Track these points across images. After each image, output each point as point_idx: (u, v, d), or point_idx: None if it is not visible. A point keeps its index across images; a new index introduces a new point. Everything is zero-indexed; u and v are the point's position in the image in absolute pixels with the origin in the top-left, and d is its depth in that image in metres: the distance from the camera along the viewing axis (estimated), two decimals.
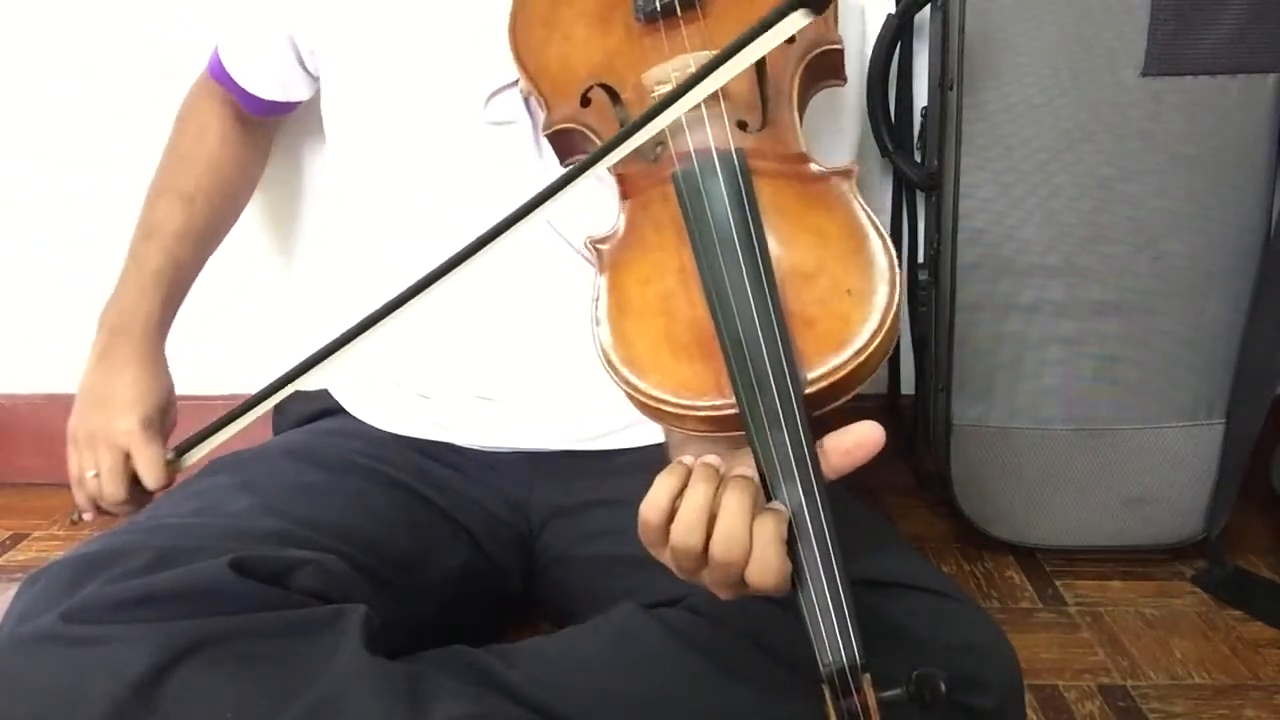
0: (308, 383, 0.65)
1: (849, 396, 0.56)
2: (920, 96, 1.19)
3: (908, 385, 1.29)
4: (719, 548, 0.52)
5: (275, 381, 0.65)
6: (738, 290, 0.56)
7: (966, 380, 1.14)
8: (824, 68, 0.67)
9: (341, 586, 0.68)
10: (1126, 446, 1.13)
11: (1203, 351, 1.10)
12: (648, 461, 0.73)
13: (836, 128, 0.78)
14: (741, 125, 0.63)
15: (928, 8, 1.13)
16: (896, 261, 0.57)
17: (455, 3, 0.77)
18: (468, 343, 0.84)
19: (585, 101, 0.67)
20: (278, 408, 0.97)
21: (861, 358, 0.54)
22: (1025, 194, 1.07)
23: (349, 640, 0.62)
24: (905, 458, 1.32)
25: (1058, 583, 1.14)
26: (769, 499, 0.54)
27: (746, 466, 0.54)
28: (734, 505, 0.52)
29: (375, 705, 0.59)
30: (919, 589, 0.70)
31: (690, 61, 0.64)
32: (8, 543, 1.26)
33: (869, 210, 0.59)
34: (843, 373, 0.54)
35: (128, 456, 0.84)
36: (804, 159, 0.62)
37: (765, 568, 0.51)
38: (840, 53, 0.66)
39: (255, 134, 1.05)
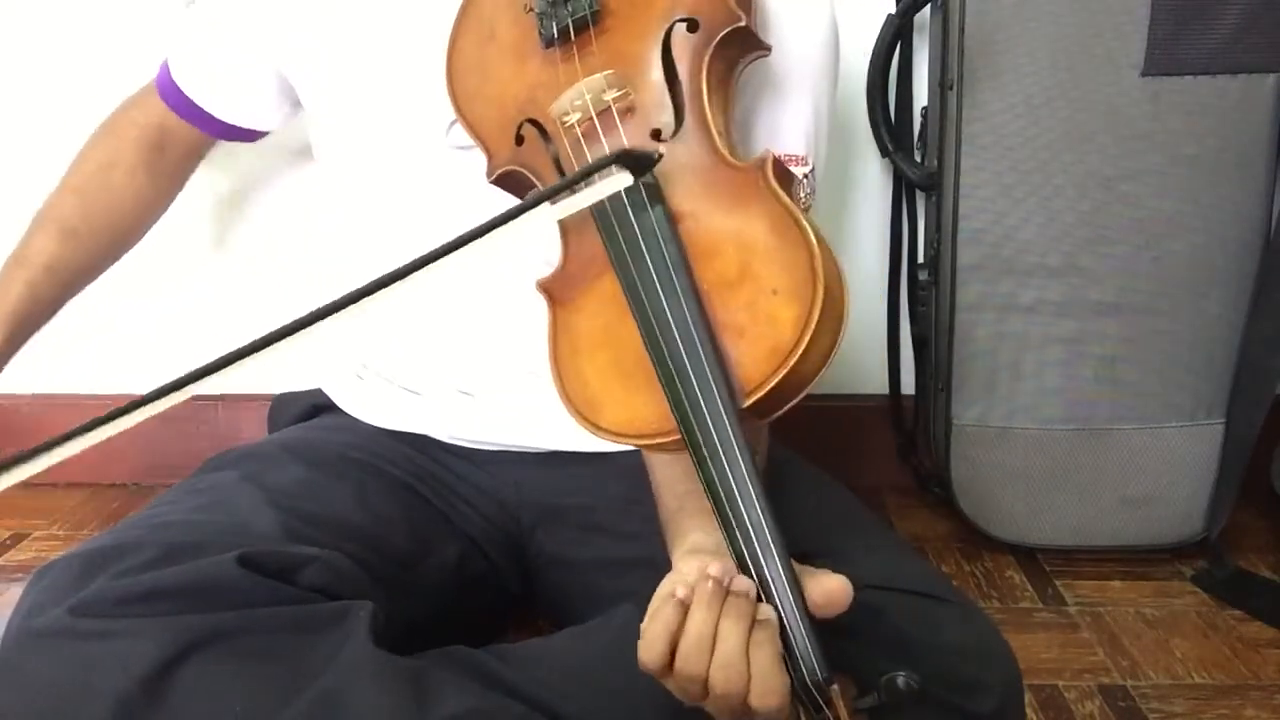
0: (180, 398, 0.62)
1: (801, 395, 0.55)
2: (920, 96, 1.19)
3: (908, 385, 1.29)
4: (718, 677, 0.52)
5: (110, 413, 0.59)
6: (659, 313, 0.55)
7: (967, 380, 1.14)
8: (738, 47, 0.64)
9: (346, 583, 0.68)
10: (1126, 446, 1.13)
11: (1203, 351, 1.11)
12: (633, 464, 0.74)
13: (778, 100, 0.76)
14: (655, 134, 0.61)
15: (928, 8, 1.13)
16: (818, 248, 0.54)
17: (418, 32, 0.77)
18: (450, 339, 0.84)
19: (519, 140, 0.65)
20: (274, 406, 0.98)
21: (796, 356, 0.53)
22: (1025, 194, 1.07)
23: (355, 636, 0.62)
24: (905, 458, 1.32)
25: (1058, 583, 1.14)
26: (718, 518, 0.54)
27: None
28: (730, 633, 0.52)
29: (380, 699, 0.59)
30: (918, 593, 0.70)
31: (584, 89, 0.62)
32: (8, 543, 1.26)
33: (786, 199, 0.57)
34: (781, 374, 0.53)
35: None
36: (720, 159, 0.60)
37: (766, 690, 0.52)
38: (746, 28, 0.63)
39: (169, 168, 0.99)
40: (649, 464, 0.71)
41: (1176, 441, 1.12)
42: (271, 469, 0.80)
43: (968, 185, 1.08)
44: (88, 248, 0.94)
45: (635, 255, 0.57)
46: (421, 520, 0.82)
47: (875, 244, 1.26)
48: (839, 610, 0.54)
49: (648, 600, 0.71)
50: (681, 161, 0.60)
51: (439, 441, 0.86)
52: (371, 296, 0.58)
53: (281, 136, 1.12)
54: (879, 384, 1.31)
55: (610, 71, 0.63)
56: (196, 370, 0.57)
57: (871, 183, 1.26)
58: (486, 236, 0.55)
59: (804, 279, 0.54)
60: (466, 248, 0.56)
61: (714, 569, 0.53)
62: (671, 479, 0.67)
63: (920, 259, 1.24)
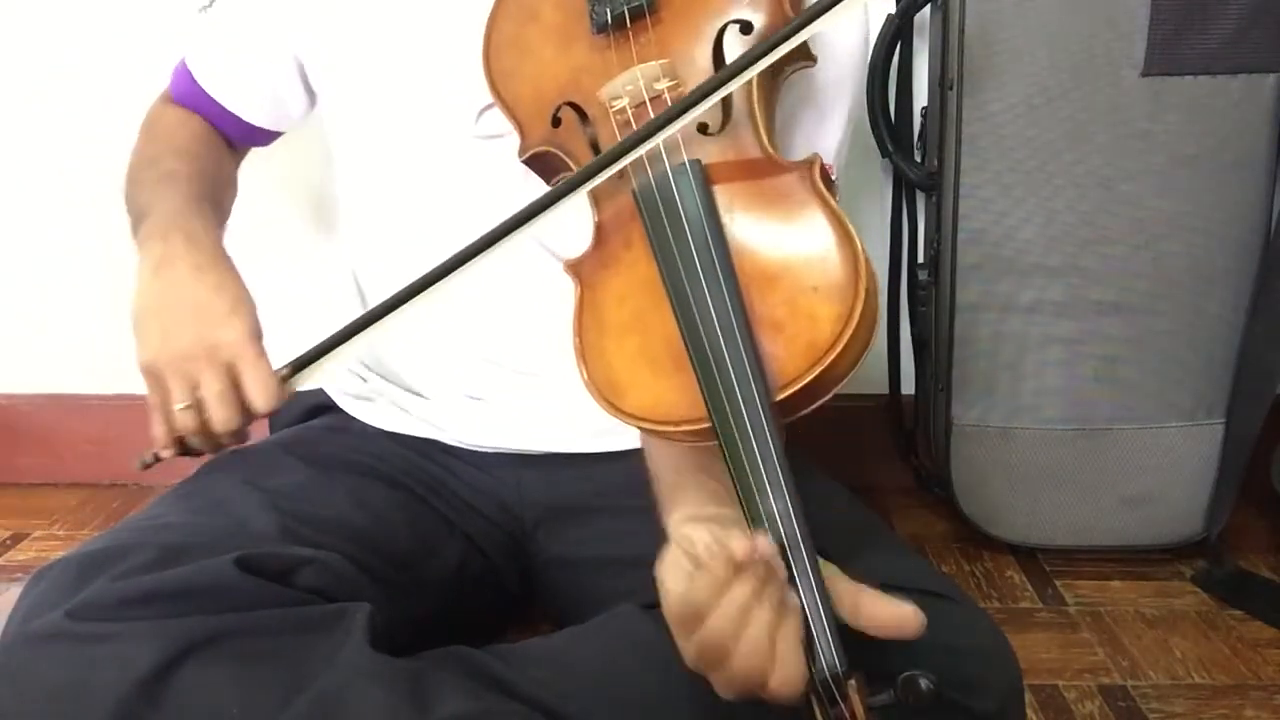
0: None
1: (831, 394, 0.56)
2: (920, 96, 1.19)
3: (908, 385, 1.29)
4: (743, 653, 0.51)
5: (389, 301, 0.63)
6: (700, 301, 0.55)
7: (967, 381, 1.14)
8: (786, 54, 0.65)
9: (344, 585, 0.68)
10: (1126, 446, 1.13)
11: (1203, 351, 1.11)
12: (635, 464, 0.74)
13: (818, 114, 0.77)
14: (702, 128, 0.62)
15: (928, 8, 1.13)
16: (862, 252, 0.56)
17: (449, 20, 0.77)
18: (459, 343, 0.84)
19: (556, 122, 0.66)
20: None
21: (833, 354, 0.54)
22: (1025, 194, 1.07)
23: (353, 638, 0.62)
24: (905, 458, 1.32)
25: (1058, 583, 1.14)
26: (744, 509, 0.54)
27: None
28: (761, 613, 0.51)
29: (379, 701, 0.59)
30: (918, 591, 0.70)
31: (638, 75, 0.63)
32: (8, 542, 1.26)
33: (833, 202, 0.58)
34: (817, 371, 0.54)
35: (235, 374, 0.69)
36: (767, 156, 0.61)
37: (787, 676, 0.51)
38: None
39: (230, 154, 0.95)
40: (648, 448, 0.71)
41: (1176, 441, 1.12)
42: (271, 470, 0.79)
43: (968, 185, 1.08)
44: (212, 172, 0.87)
45: (679, 239, 0.57)
46: (421, 521, 0.82)
47: (875, 244, 1.26)
48: (903, 635, 0.53)
49: (648, 600, 0.71)
50: (727, 156, 0.61)
51: (442, 444, 0.86)
52: (428, 291, 0.60)
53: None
54: (879, 384, 1.31)
55: (665, 60, 0.63)
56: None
57: (871, 183, 1.26)
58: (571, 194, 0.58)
59: (847, 280, 0.55)
60: (528, 223, 0.58)
61: (763, 546, 0.51)
62: (675, 457, 0.67)
63: (920, 259, 1.24)
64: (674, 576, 0.53)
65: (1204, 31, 1.01)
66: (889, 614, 0.53)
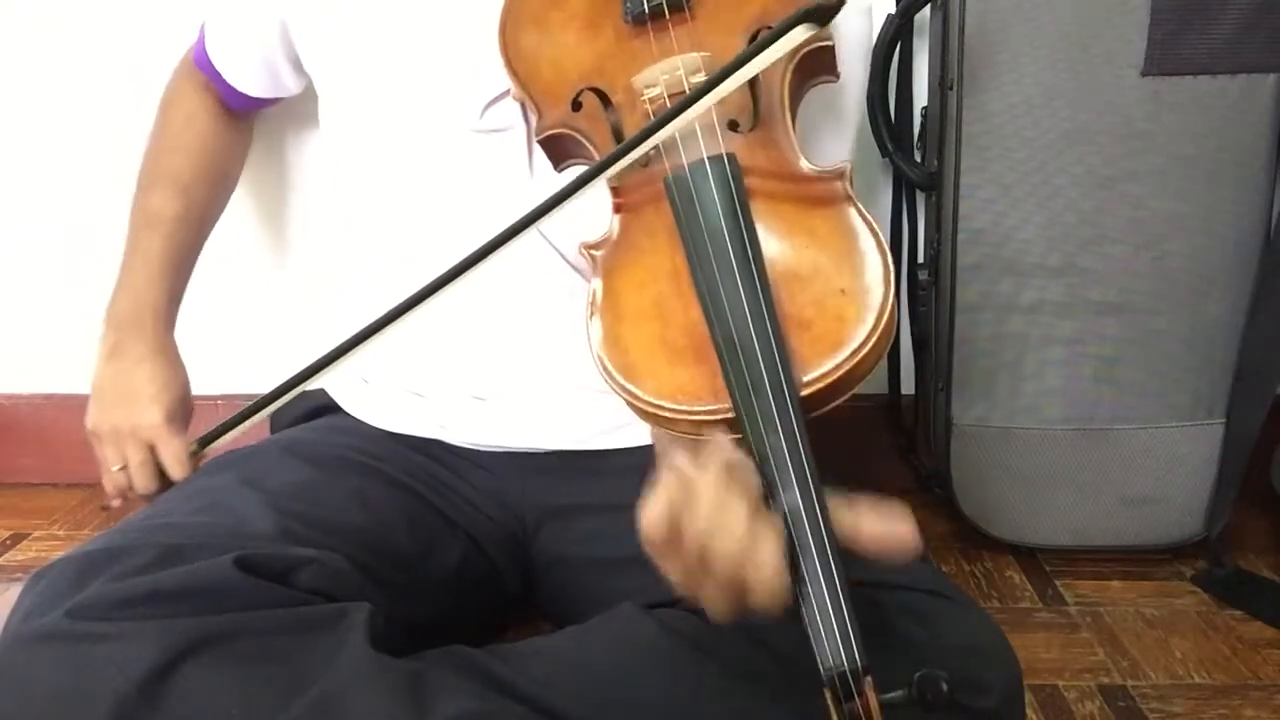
0: (315, 383, 0.66)
1: (846, 396, 0.56)
2: (920, 96, 1.19)
3: (908, 385, 1.30)
4: (720, 561, 0.50)
5: (289, 380, 0.67)
6: (731, 294, 0.55)
7: (967, 381, 1.14)
8: (815, 65, 0.66)
9: (344, 585, 0.68)
10: (1126, 446, 1.13)
11: (1202, 352, 1.10)
12: (640, 462, 0.74)
13: (835, 125, 0.78)
14: (733, 126, 0.62)
15: (928, 8, 1.13)
16: (890, 259, 0.57)
17: (454, 12, 0.77)
18: (462, 343, 0.84)
19: (576, 106, 0.66)
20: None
21: (858, 358, 0.54)
22: (1025, 194, 1.07)
23: (353, 638, 0.62)
24: (905, 458, 1.32)
25: (1058, 583, 1.14)
26: (767, 502, 0.54)
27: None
28: (734, 516, 0.50)
29: (378, 702, 0.59)
30: (918, 590, 0.70)
31: (679, 64, 0.63)
32: (8, 542, 1.26)
33: (863, 209, 0.59)
34: (840, 373, 0.54)
35: (153, 449, 0.87)
36: (796, 159, 0.62)
37: (766, 578, 0.50)
38: (831, 49, 0.65)
39: (239, 120, 1.05)
40: (661, 445, 0.70)
41: (1176, 441, 1.12)
42: (271, 470, 0.80)
43: (968, 185, 1.08)
44: (200, 199, 0.99)
45: (712, 229, 0.57)
46: (422, 521, 0.82)
47: None
48: (892, 554, 0.52)
49: (649, 600, 0.71)
50: (757, 154, 0.61)
51: (445, 443, 0.86)
52: (433, 295, 0.60)
53: (273, 115, 1.12)
54: (879, 384, 1.31)
55: (707, 54, 0.64)
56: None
57: (871, 183, 1.26)
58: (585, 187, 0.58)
59: (875, 285, 0.56)
60: (541, 219, 0.59)
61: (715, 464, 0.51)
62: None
63: (920, 259, 1.24)
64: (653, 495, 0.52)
65: (1204, 31, 1.01)
66: (885, 529, 0.52)
